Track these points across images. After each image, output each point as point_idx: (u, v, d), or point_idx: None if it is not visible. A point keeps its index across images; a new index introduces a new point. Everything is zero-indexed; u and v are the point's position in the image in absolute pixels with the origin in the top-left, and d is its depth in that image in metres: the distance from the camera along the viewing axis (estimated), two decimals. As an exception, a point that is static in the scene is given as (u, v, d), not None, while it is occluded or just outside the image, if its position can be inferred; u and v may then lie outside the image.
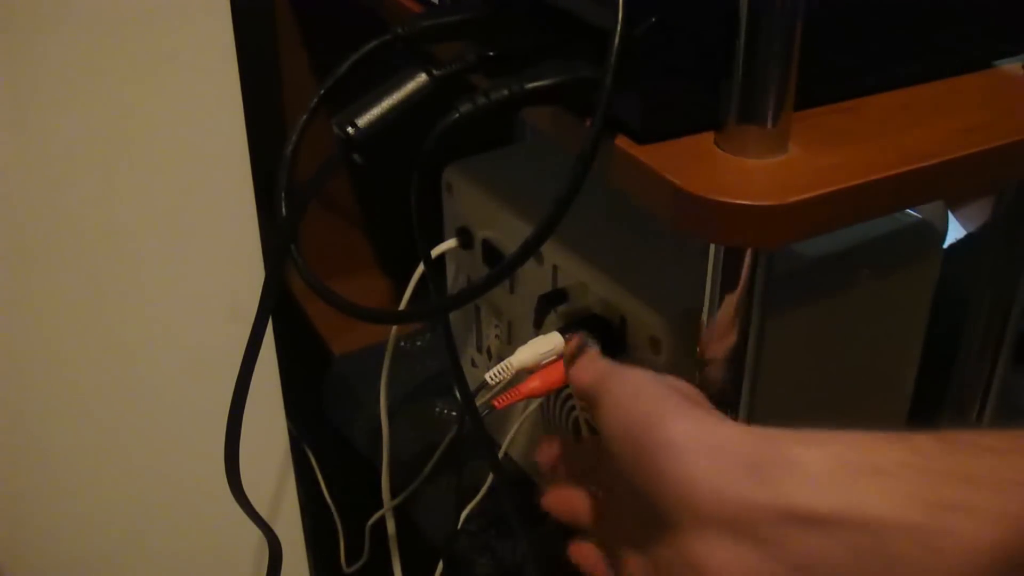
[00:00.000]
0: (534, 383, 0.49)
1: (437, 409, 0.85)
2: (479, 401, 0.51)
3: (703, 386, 0.48)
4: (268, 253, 0.70)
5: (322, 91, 0.47)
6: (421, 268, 0.70)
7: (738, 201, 0.40)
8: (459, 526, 0.73)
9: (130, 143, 0.64)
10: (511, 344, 0.74)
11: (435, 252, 0.74)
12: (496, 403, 0.49)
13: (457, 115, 0.43)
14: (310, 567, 0.88)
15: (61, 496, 0.71)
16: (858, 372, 0.66)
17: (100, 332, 0.68)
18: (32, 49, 0.58)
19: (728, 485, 0.36)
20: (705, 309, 0.46)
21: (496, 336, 0.76)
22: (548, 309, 0.65)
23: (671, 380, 0.43)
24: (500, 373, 0.50)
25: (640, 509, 0.40)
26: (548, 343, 0.50)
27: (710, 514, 0.36)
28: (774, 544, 0.35)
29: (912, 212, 0.65)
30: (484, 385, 0.50)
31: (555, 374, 0.49)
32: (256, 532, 0.62)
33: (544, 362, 0.50)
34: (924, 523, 0.33)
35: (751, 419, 0.49)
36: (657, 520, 0.38)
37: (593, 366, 0.46)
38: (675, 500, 0.37)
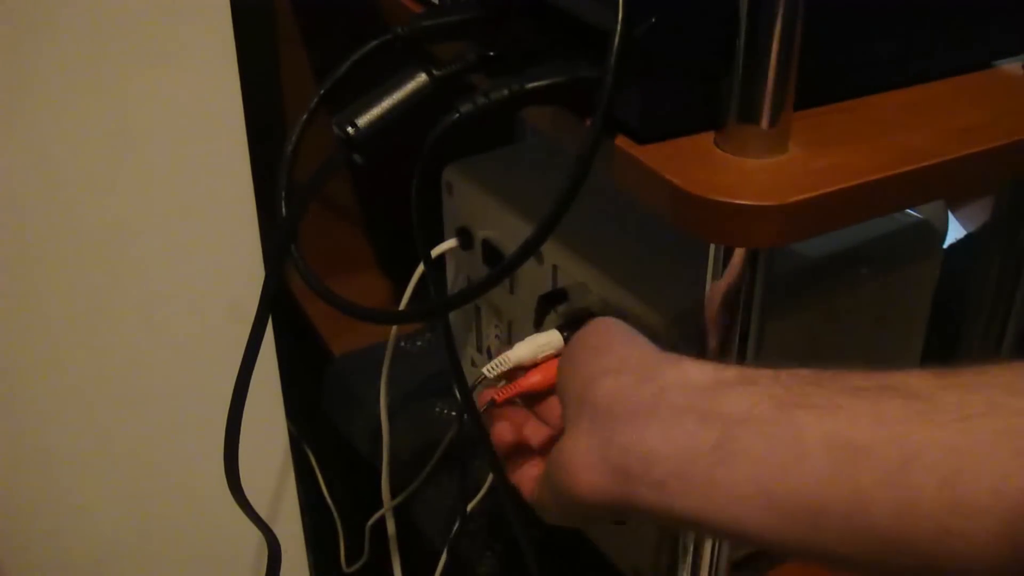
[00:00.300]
0: (534, 378, 0.49)
1: (437, 409, 0.85)
2: (477, 396, 0.50)
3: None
4: (268, 253, 0.70)
5: (322, 91, 0.47)
6: (421, 268, 0.70)
7: (738, 201, 0.40)
8: (459, 526, 0.73)
9: (130, 143, 0.64)
10: (511, 344, 0.74)
11: (435, 252, 0.74)
12: (496, 396, 0.48)
13: (457, 115, 0.43)
14: (310, 567, 0.88)
15: (61, 496, 0.71)
16: (858, 372, 0.66)
17: (100, 331, 0.68)
18: (32, 49, 0.58)
19: (618, 384, 0.38)
20: (705, 309, 0.46)
21: (496, 336, 0.76)
22: (548, 309, 0.65)
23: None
24: (498, 366, 0.49)
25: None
26: (546, 338, 0.50)
27: (590, 404, 0.38)
28: (628, 435, 0.37)
29: (912, 212, 0.65)
30: (482, 379, 0.50)
31: (555, 369, 0.49)
32: (256, 532, 0.62)
33: (542, 356, 0.50)
34: (769, 416, 0.34)
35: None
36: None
37: None
38: (575, 395, 0.40)
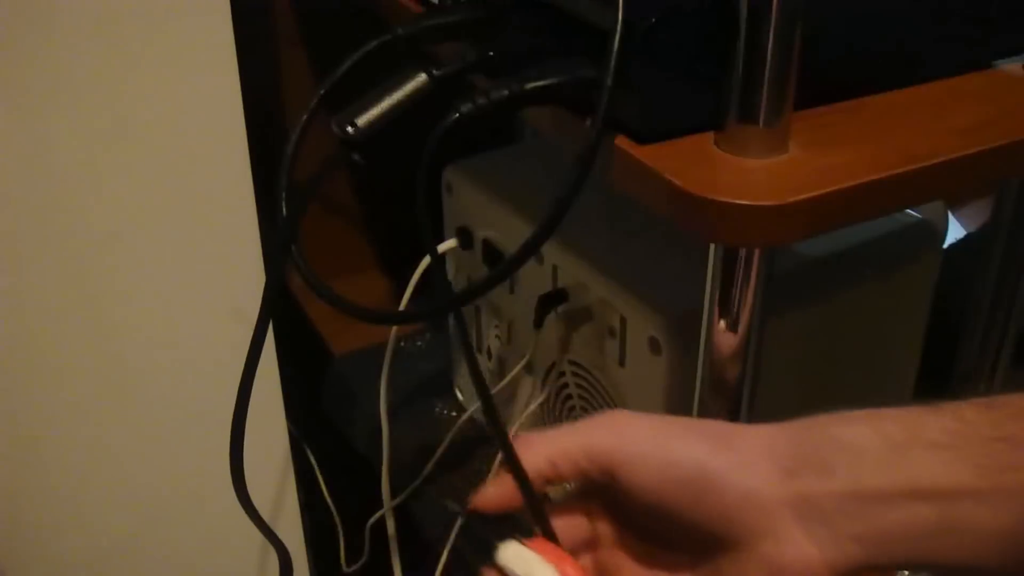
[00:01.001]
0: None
1: (437, 409, 0.85)
2: None
3: (703, 386, 0.48)
4: (268, 253, 0.70)
5: (322, 91, 0.47)
6: (421, 268, 0.70)
7: (738, 201, 0.40)
8: (459, 526, 0.73)
9: (130, 143, 0.64)
10: (511, 344, 0.74)
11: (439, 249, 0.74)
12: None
13: (457, 115, 0.43)
14: (310, 567, 0.88)
15: (61, 498, 0.71)
16: (858, 372, 0.66)
17: (99, 332, 0.68)
18: (32, 49, 0.58)
19: (792, 483, 0.37)
20: (705, 309, 0.46)
21: (496, 336, 0.76)
22: (548, 309, 0.65)
23: (659, 418, 0.42)
24: None
25: (689, 544, 0.40)
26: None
27: (782, 515, 0.37)
28: (845, 523, 0.37)
29: (912, 212, 0.65)
30: None
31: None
32: (257, 533, 0.62)
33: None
34: (981, 486, 0.35)
35: (752, 419, 0.49)
36: (719, 545, 0.39)
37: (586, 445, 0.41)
38: (745, 515, 0.38)
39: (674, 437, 0.40)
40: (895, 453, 0.36)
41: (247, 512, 0.55)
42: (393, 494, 0.79)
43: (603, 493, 0.42)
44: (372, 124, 0.44)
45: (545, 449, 0.42)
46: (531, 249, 0.41)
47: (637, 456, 0.40)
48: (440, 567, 0.74)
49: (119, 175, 0.64)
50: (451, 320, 0.83)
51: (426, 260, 0.69)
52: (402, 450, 0.80)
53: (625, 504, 0.41)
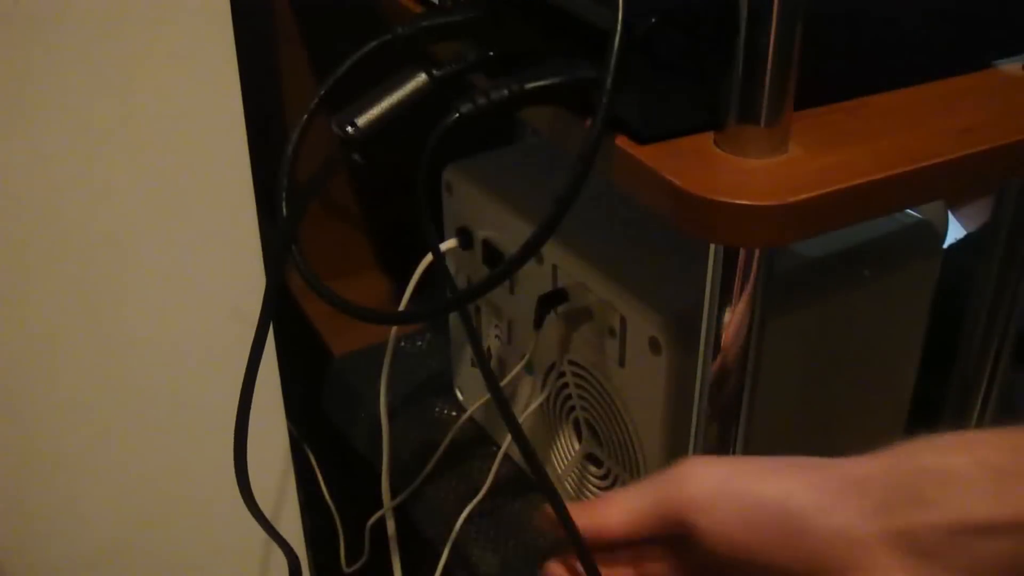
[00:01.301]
0: None
1: (437, 409, 0.85)
2: None
3: (703, 386, 0.48)
4: (268, 253, 0.70)
5: (322, 92, 0.47)
6: (421, 268, 0.70)
7: (738, 201, 0.40)
8: (459, 526, 0.73)
9: (130, 143, 0.64)
10: (511, 344, 0.74)
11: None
12: None
13: (457, 115, 0.43)
14: (310, 567, 0.88)
15: (62, 499, 0.71)
16: (858, 372, 0.66)
17: (100, 332, 0.68)
18: (32, 49, 0.58)
19: (887, 518, 0.36)
20: (705, 309, 0.46)
21: (496, 336, 0.76)
22: (548, 309, 0.65)
23: (739, 461, 0.42)
24: None
25: None
26: None
27: (877, 551, 0.36)
28: (951, 556, 0.35)
29: (912, 212, 0.65)
30: None
31: None
32: (258, 534, 0.62)
33: None
34: None
35: (752, 419, 0.49)
36: None
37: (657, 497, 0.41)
38: (836, 555, 0.37)
39: (751, 478, 0.39)
40: (1001, 481, 0.35)
41: (253, 513, 0.55)
42: (393, 494, 0.79)
43: (670, 539, 0.41)
44: (372, 124, 0.44)
45: (619, 513, 0.41)
46: (531, 249, 0.41)
47: (713, 503, 0.39)
48: (440, 567, 0.74)
49: (119, 175, 0.64)
50: (451, 320, 0.83)
51: (426, 260, 0.69)
52: (402, 450, 0.80)
53: (696, 550, 0.40)
